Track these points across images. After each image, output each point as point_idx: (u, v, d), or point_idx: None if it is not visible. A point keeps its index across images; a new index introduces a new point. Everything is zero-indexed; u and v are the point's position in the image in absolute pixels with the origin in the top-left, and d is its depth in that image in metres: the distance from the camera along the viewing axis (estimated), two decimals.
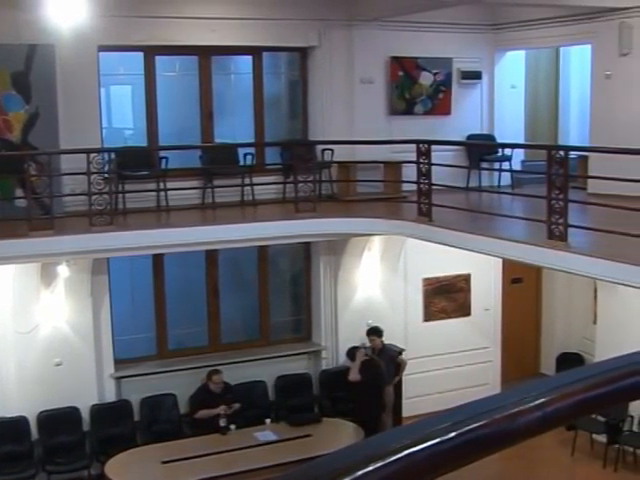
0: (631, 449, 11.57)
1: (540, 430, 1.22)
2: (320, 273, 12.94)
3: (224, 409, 11.19)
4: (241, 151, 12.56)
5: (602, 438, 11.78)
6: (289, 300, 13.62)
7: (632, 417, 11.62)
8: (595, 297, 12.76)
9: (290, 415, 11.78)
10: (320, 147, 12.61)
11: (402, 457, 1.05)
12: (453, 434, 1.10)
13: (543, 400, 1.20)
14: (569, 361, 13.45)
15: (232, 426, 11.11)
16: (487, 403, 1.18)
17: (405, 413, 12.58)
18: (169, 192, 11.60)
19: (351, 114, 13.14)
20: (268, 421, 11.48)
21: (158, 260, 12.25)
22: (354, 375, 11.53)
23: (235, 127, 13.26)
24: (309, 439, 10.95)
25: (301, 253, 13.26)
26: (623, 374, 1.35)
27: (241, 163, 12.49)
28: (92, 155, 10.17)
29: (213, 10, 12.04)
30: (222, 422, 11.04)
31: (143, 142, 12.40)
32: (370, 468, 1.02)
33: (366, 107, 13.19)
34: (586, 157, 12.76)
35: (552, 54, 15.51)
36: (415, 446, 1.06)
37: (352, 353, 12.17)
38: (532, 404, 1.19)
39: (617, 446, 11.59)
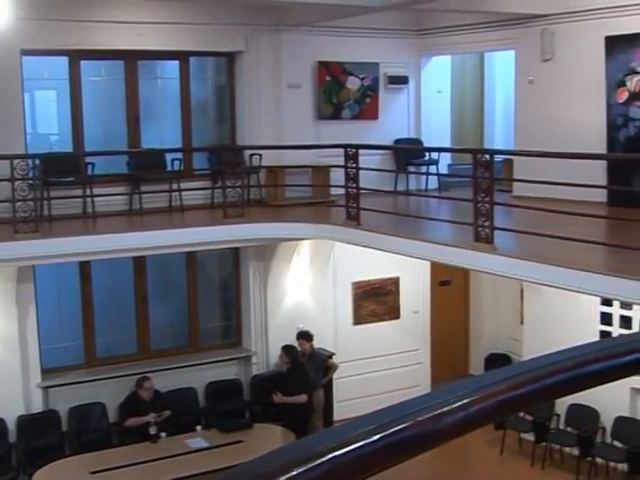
0: (558, 447, 11.77)
1: (464, 430, 1.23)
2: (249, 278, 12.91)
3: (154, 417, 11.09)
4: (169, 156, 12.48)
5: (530, 436, 11.97)
6: (219, 306, 13.55)
7: (558, 415, 11.83)
8: (522, 298, 12.96)
9: (221, 421, 11.70)
10: (248, 152, 12.59)
11: (327, 461, 1.05)
12: (377, 436, 1.10)
13: (466, 401, 1.21)
14: (497, 361, 13.64)
15: (162, 434, 11.01)
16: (411, 405, 1.19)
17: (336, 416, 12.61)
18: (95, 198, 11.47)
19: (279, 119, 13.14)
20: (199, 428, 11.40)
21: (85, 267, 12.09)
22: (299, 399, 11.53)
23: (162, 132, 13.15)
24: (240, 445, 10.90)
25: (230, 258, 13.21)
26: (546, 373, 1.37)
27: (169, 168, 12.42)
28: (16, 161, 9.99)
29: (139, 14, 11.93)
30: (152, 430, 10.93)
31: (69, 148, 12.23)
32: (294, 472, 1.02)
33: (294, 112, 13.21)
34: (511, 160, 12.96)
35: (477, 59, 15.74)
36: (340, 449, 1.07)
37: (287, 349, 12.12)
38: (455, 405, 1.20)
39: (544, 444, 11.78)
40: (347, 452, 1.08)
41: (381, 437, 1.11)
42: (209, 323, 13.26)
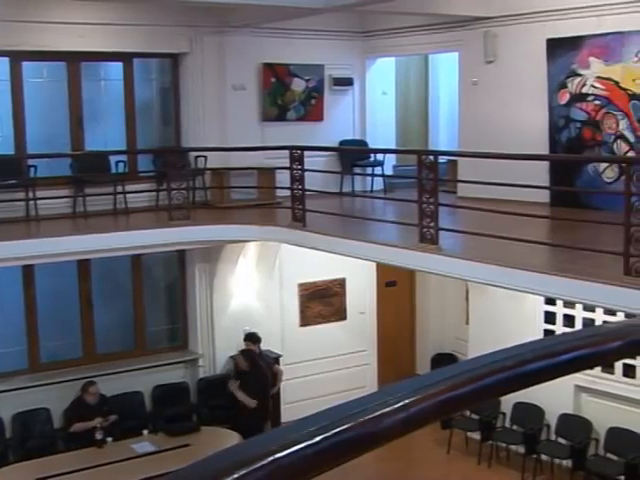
0: (504, 445, 11.89)
1: (405, 431, 1.24)
2: (195, 281, 12.86)
3: (100, 421, 10.99)
4: (113, 159, 12.38)
5: (476, 435, 12.08)
6: (165, 309, 13.47)
7: (504, 414, 11.95)
8: (467, 298, 13.07)
9: (168, 425, 11.63)
10: (193, 154, 12.54)
11: (267, 463, 1.05)
12: (318, 438, 1.11)
13: (406, 401, 1.22)
14: (443, 361, 13.74)
15: (109, 438, 10.91)
16: (352, 406, 1.19)
17: (284, 418, 12.62)
18: (39, 201, 11.31)
19: (224, 121, 13.11)
20: (145, 432, 11.32)
21: (28, 271, 11.93)
22: (249, 402, 11.48)
23: (106, 134, 13.02)
24: (188, 448, 10.84)
25: (176, 261, 13.14)
26: (486, 372, 1.38)
27: (113, 171, 12.31)
28: None
29: (81, 15, 11.81)
30: (98, 435, 10.83)
31: (10, 150, 12.05)
32: (235, 475, 1.02)
33: (239, 114, 13.19)
34: (456, 161, 13.07)
35: (421, 61, 15.84)
36: (281, 451, 1.07)
37: (245, 353, 12.07)
38: (396, 406, 1.20)
39: (491, 443, 11.90)
40: (288, 454, 1.07)
41: (322, 439, 1.11)
42: (155, 326, 13.17)
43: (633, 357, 9.93)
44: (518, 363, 1.41)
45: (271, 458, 1.06)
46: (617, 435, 10.83)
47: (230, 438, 11.11)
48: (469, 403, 1.42)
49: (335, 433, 1.13)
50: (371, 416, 1.17)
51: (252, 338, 12.17)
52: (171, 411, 12.19)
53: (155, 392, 12.48)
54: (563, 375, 1.50)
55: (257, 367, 11.84)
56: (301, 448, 1.09)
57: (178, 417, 12.02)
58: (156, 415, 12.24)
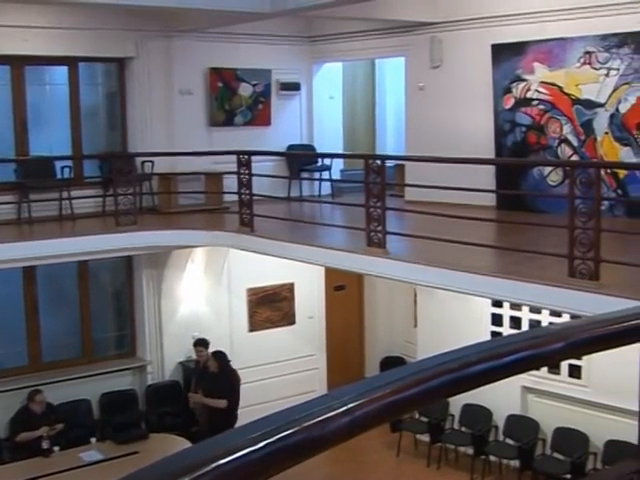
0: (453, 447, 11.97)
1: (350, 435, 1.24)
2: (143, 287, 12.76)
3: (47, 430, 10.83)
4: (58, 164, 12.23)
5: (425, 438, 12.15)
6: (112, 315, 13.34)
7: (453, 416, 12.03)
8: (415, 301, 13.14)
9: (116, 433, 11.50)
10: (140, 159, 12.45)
11: (211, 469, 1.05)
12: (263, 444, 1.10)
13: (352, 405, 1.22)
14: (392, 364, 13.77)
15: (56, 448, 10.76)
16: (297, 411, 1.19)
17: (235, 425, 12.55)
18: None
19: (171, 125, 13.05)
20: (93, 440, 11.19)
21: None
22: (218, 403, 11.30)
23: (52, 139, 12.87)
24: (136, 456, 10.73)
25: (123, 267, 13.03)
26: (431, 375, 1.39)
27: (58, 176, 12.17)
28: None
29: (25, 18, 11.65)
30: (45, 444, 10.67)
31: None
32: None
33: (186, 118, 13.14)
34: (403, 165, 13.14)
35: (368, 66, 15.91)
36: (224, 457, 1.06)
37: (216, 354, 11.95)
38: (341, 410, 1.21)
39: (440, 444, 11.97)
40: (232, 460, 1.07)
41: (266, 444, 1.11)
42: (102, 333, 13.04)
43: (576, 358, 10.07)
44: (463, 365, 1.42)
45: (215, 464, 1.06)
46: (563, 435, 10.97)
47: (180, 445, 11.03)
48: (415, 405, 1.43)
49: (279, 438, 1.12)
50: (316, 420, 1.17)
51: (202, 343, 12.08)
52: (119, 419, 12.06)
53: (103, 400, 12.36)
54: (508, 376, 1.52)
55: (225, 369, 11.73)
56: (245, 454, 1.09)
57: (126, 425, 11.90)
58: (104, 423, 12.11)
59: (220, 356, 11.75)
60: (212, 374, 11.48)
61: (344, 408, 1.21)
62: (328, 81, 14.82)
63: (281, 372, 13.54)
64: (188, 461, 1.06)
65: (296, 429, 1.15)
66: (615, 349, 1.69)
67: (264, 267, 12.66)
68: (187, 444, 10.89)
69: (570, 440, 10.84)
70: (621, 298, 6.51)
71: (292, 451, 1.15)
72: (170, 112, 13.07)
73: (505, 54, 11.75)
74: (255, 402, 12.64)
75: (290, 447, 1.14)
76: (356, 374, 14.49)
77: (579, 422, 10.86)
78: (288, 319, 13.80)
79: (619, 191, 10.84)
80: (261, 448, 1.10)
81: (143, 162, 12.46)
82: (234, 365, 12.61)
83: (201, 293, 12.98)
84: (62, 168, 12.15)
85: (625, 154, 10.66)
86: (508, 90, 11.83)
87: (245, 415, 12.18)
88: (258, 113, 13.94)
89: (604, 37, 10.70)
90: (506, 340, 1.55)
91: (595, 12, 10.62)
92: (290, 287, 13.73)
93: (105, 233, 11.07)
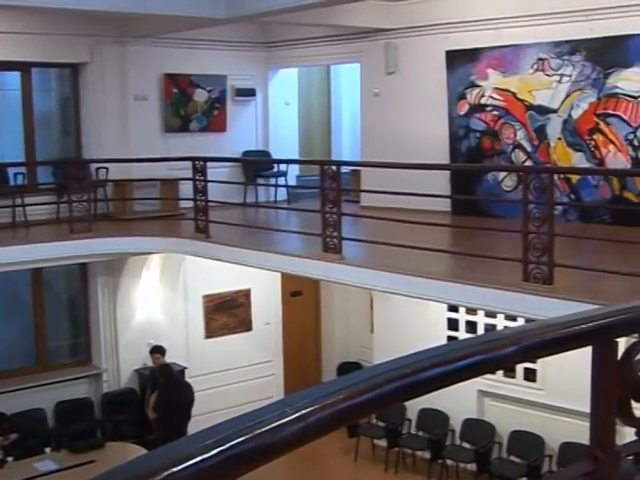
0: (410, 451, 12.01)
1: (304, 441, 1.24)
2: (98, 294, 12.65)
3: (0, 440, 10.70)
4: (11, 171, 12.09)
5: (383, 442, 12.17)
6: (67, 323, 13.20)
7: (410, 420, 12.07)
8: (371, 306, 13.17)
9: (71, 442, 11.39)
10: (94, 165, 12.35)
11: (163, 478, 1.04)
12: (215, 451, 1.10)
13: (304, 411, 1.22)
14: (349, 370, 13.74)
15: (9, 458, 10.63)
16: (249, 418, 1.19)
17: (190, 432, 12.47)
18: None
19: (126, 131, 12.97)
20: (48, 450, 11.08)
21: None
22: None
23: (4, 145, 12.73)
24: (92, 465, 10.63)
25: (78, 274, 12.91)
26: (384, 380, 1.39)
27: (11, 183, 12.03)
28: None
29: None
30: None
31: None
32: None
33: (141, 124, 13.07)
34: (358, 171, 13.17)
35: (324, 72, 15.94)
36: (176, 466, 1.06)
37: (157, 348, 11.86)
38: (293, 416, 1.21)
39: (397, 449, 12.01)
40: (184, 468, 1.06)
41: (219, 452, 1.10)
42: (57, 341, 12.90)
43: (529, 361, 10.16)
44: (416, 370, 1.43)
45: (167, 472, 1.05)
46: (519, 438, 11.06)
47: (136, 453, 10.94)
48: (368, 411, 1.43)
49: (232, 446, 1.12)
50: (268, 427, 1.17)
51: (159, 350, 11.99)
52: (75, 427, 11.94)
53: (58, 408, 12.23)
54: (461, 381, 1.53)
55: (176, 381, 11.64)
56: (198, 461, 1.08)
57: (82, 433, 11.78)
58: (59, 432, 11.98)
59: (165, 370, 11.66)
60: (161, 385, 11.47)
61: (297, 414, 1.21)
62: (284, 87, 14.83)
63: (238, 379, 13.50)
64: (140, 469, 1.06)
65: (248, 436, 1.14)
66: (569, 352, 1.71)
67: (220, 273, 12.62)
68: (143, 452, 10.80)
69: (526, 443, 10.93)
70: (574, 302, 6.58)
71: (245, 458, 1.14)
72: (125, 118, 12.99)
73: (459, 60, 11.84)
74: (212, 409, 12.59)
75: (243, 454, 1.13)
76: (313, 380, 14.47)
77: (535, 425, 10.96)
78: (244, 325, 13.76)
79: (572, 196, 10.97)
80: (213, 456, 1.10)
81: (98, 168, 12.37)
82: (190, 372, 12.57)
83: (157, 300, 12.90)
84: (15, 175, 12.01)
85: (578, 159, 10.79)
86: (462, 96, 11.93)
87: (203, 422, 12.09)
88: (213, 119, 13.91)
89: (557, 44, 10.83)
90: (459, 345, 1.55)
91: (548, 19, 10.75)
92: (246, 293, 13.70)
93: (59, 240, 10.97)
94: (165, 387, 11.36)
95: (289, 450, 1.22)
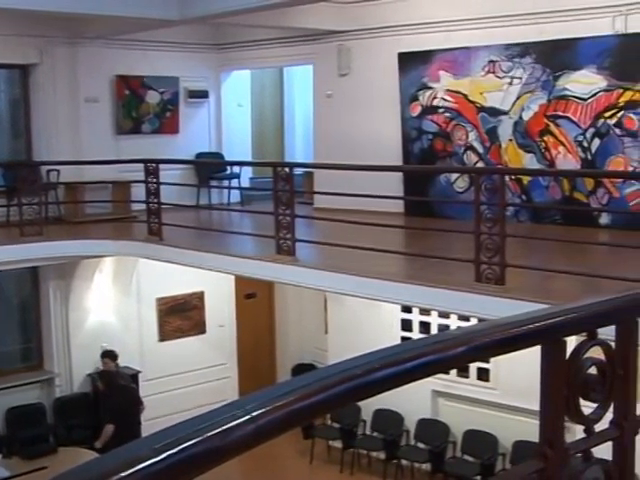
0: (365, 452, 12.04)
1: (255, 443, 1.24)
2: (50, 298, 12.52)
3: None
4: None
5: (338, 444, 12.19)
6: (18, 328, 13.03)
7: (365, 421, 12.10)
8: (325, 308, 13.18)
9: (23, 448, 11.27)
10: (45, 168, 12.22)
11: None
12: (165, 454, 1.09)
13: (255, 414, 1.22)
14: (304, 371, 13.65)
15: None
16: (199, 421, 1.18)
17: (144, 436, 12.39)
18: None
19: (77, 134, 12.86)
20: None
21: None
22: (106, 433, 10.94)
23: None
24: (45, 471, 10.51)
25: (29, 278, 12.76)
26: (335, 381, 1.40)
27: None
28: None
29: None
30: None
31: None
32: None
33: (92, 126, 12.97)
34: (312, 173, 13.18)
35: (276, 74, 15.93)
36: (126, 469, 1.05)
37: (107, 353, 11.75)
38: (244, 418, 1.20)
39: (352, 450, 12.03)
40: (134, 472, 1.06)
41: (169, 455, 1.10)
42: (7, 346, 12.75)
43: (482, 361, 10.24)
44: (367, 371, 1.43)
45: (116, 477, 1.04)
46: (473, 437, 11.14)
47: (89, 458, 10.83)
48: (320, 412, 1.43)
49: (182, 449, 1.12)
50: (218, 430, 1.17)
51: (110, 355, 11.90)
52: (27, 433, 11.80)
53: (9, 414, 12.08)
54: (412, 381, 1.53)
55: (115, 387, 11.54)
56: (148, 465, 1.08)
57: (34, 439, 11.66)
58: (11, 438, 11.84)
59: (104, 376, 11.55)
60: (101, 394, 11.37)
61: (248, 417, 1.21)
62: (236, 89, 14.80)
63: (192, 382, 13.44)
64: (88, 474, 1.05)
65: (198, 439, 1.14)
66: (521, 351, 1.72)
67: (174, 276, 12.55)
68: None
69: (480, 442, 11.02)
70: (526, 302, 6.64)
71: (195, 461, 1.14)
72: (76, 120, 12.87)
73: (412, 62, 11.90)
74: (167, 412, 12.51)
75: (193, 457, 1.13)
76: (268, 382, 14.44)
77: (488, 424, 11.05)
78: (199, 328, 13.70)
79: (523, 197, 11.07)
80: (164, 459, 1.09)
81: (49, 171, 12.24)
82: (144, 376, 12.49)
83: (110, 303, 12.80)
84: None
85: (529, 161, 10.90)
86: (415, 98, 11.99)
87: (157, 426, 11.98)
88: (166, 121, 13.84)
89: (507, 47, 10.93)
90: (409, 345, 1.56)
91: (499, 22, 10.85)
92: (200, 296, 13.64)
93: (9, 244, 10.83)
94: (105, 393, 11.32)
95: (240, 453, 1.22)
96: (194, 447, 1.13)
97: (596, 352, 1.83)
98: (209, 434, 1.15)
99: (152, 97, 13.64)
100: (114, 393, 11.36)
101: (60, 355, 12.63)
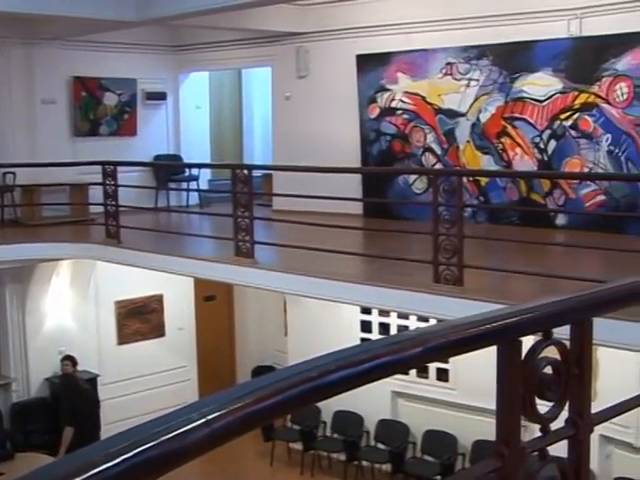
0: (325, 453, 12.05)
1: (211, 446, 1.23)
2: (6, 302, 12.37)
3: None
4: None
5: (298, 445, 12.19)
6: None
7: (325, 423, 12.12)
8: (285, 310, 13.18)
9: None
10: (1, 170, 12.09)
11: None
12: (119, 459, 1.09)
13: (211, 417, 1.22)
14: (264, 374, 13.62)
15: None
16: (155, 424, 1.18)
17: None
18: None
19: (33, 135, 12.74)
20: None
21: None
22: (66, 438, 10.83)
23: None
24: (2, 478, 10.39)
25: None
26: (291, 384, 1.40)
27: None
28: None
29: None
30: None
31: None
32: None
33: (49, 128, 12.86)
34: (271, 175, 13.18)
35: (235, 75, 15.91)
36: (80, 474, 1.04)
37: (67, 357, 11.63)
38: (200, 422, 1.20)
39: (313, 452, 12.03)
40: (88, 477, 1.05)
41: (123, 459, 1.09)
42: None
43: (440, 362, 10.30)
44: (322, 373, 1.43)
45: None
46: (433, 437, 11.20)
47: (47, 463, 10.72)
48: (276, 414, 1.43)
49: (136, 453, 1.11)
50: (174, 434, 1.16)
51: (70, 358, 11.76)
52: None
53: None
54: (368, 382, 1.54)
55: (76, 390, 11.43)
56: (101, 470, 1.07)
57: None
58: None
59: (64, 379, 11.43)
60: (61, 397, 11.28)
61: (203, 420, 1.21)
62: (195, 91, 14.77)
63: (152, 385, 13.36)
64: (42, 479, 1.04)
65: (154, 443, 1.13)
66: (479, 351, 1.73)
67: (132, 279, 12.48)
68: None
69: (439, 442, 11.08)
70: (484, 302, 6.68)
71: (150, 465, 1.13)
72: (32, 122, 12.76)
73: (370, 64, 11.94)
74: (127, 416, 12.41)
75: (148, 461, 1.12)
76: (228, 384, 14.34)
77: (448, 424, 11.10)
78: (158, 331, 13.63)
79: (481, 198, 11.16)
80: (118, 464, 1.08)
81: (4, 173, 12.11)
82: (103, 380, 12.39)
83: (67, 307, 12.69)
84: None
85: (486, 162, 10.98)
86: (373, 100, 12.03)
87: (117, 430, 11.92)
88: (124, 123, 13.76)
89: (464, 49, 11.01)
90: (365, 347, 1.56)
91: (457, 24, 10.93)
92: (159, 298, 13.57)
93: None
94: (63, 396, 11.22)
95: (196, 456, 1.22)
96: (149, 451, 1.12)
97: (551, 352, 1.84)
98: (164, 438, 1.15)
99: (110, 99, 13.56)
100: (74, 396, 11.27)
101: (17, 360, 12.49)
